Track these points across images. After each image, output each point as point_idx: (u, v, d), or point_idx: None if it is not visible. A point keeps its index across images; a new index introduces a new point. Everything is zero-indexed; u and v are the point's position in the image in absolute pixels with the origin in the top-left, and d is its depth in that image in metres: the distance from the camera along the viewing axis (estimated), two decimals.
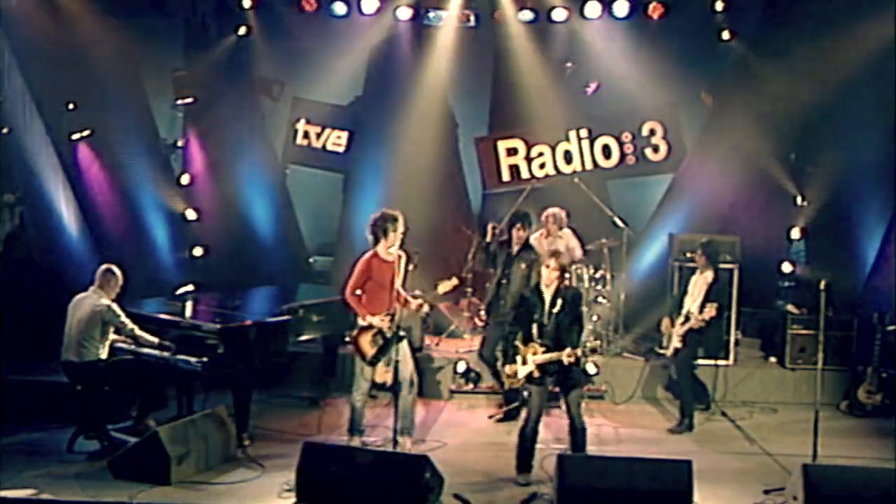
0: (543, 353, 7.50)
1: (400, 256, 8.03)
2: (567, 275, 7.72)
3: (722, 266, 9.76)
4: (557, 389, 9.41)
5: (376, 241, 8.08)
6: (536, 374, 7.55)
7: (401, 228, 8.06)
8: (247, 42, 11.72)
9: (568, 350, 7.39)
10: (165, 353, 8.16)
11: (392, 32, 11.89)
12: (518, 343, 7.64)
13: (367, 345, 8.00)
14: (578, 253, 10.54)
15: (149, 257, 11.45)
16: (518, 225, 9.18)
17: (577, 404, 7.71)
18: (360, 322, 8.07)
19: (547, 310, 7.57)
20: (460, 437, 8.80)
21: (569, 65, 11.93)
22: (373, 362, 8.02)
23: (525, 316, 7.63)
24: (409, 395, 8.12)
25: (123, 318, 8.15)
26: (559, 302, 7.56)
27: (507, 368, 7.70)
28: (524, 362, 7.57)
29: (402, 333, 7.90)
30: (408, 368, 8.11)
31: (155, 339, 8.21)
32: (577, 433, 7.65)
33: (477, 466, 8.06)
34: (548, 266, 7.59)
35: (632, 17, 11.49)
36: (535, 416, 7.68)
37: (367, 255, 8.14)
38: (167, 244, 11.70)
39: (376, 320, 7.95)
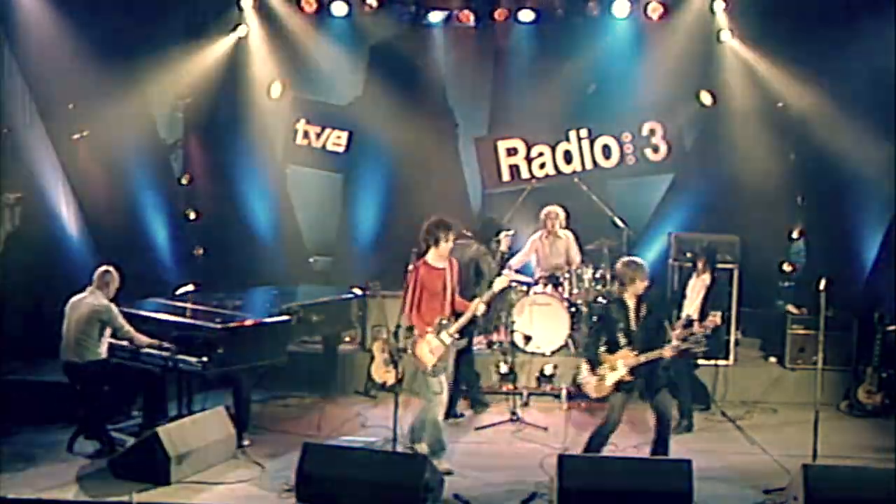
0: (636, 356, 7.63)
1: (451, 263, 7.89)
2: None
3: (722, 266, 9.76)
4: (562, 389, 9.55)
5: (427, 249, 7.87)
6: (627, 379, 7.67)
7: (453, 237, 7.85)
8: (247, 42, 11.72)
9: (668, 345, 7.63)
10: (165, 354, 8.16)
11: (392, 32, 11.89)
12: (603, 352, 7.74)
13: (426, 354, 7.76)
14: (577, 261, 10.58)
15: (149, 257, 11.45)
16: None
17: (666, 402, 7.93)
18: (417, 334, 7.88)
19: (633, 316, 7.72)
20: (460, 437, 8.79)
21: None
22: (435, 373, 7.80)
23: (609, 326, 7.76)
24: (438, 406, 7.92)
25: (121, 319, 8.16)
26: (644, 308, 7.74)
27: (595, 380, 7.74)
28: (613, 369, 7.67)
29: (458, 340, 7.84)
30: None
31: (151, 341, 8.20)
32: (665, 428, 7.87)
33: (477, 466, 8.06)
34: (643, 280, 7.72)
35: (632, 17, 11.49)
36: (616, 419, 7.80)
37: (416, 265, 7.97)
38: (167, 244, 11.70)
39: (431, 338, 7.75)
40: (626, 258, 8.04)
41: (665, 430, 7.89)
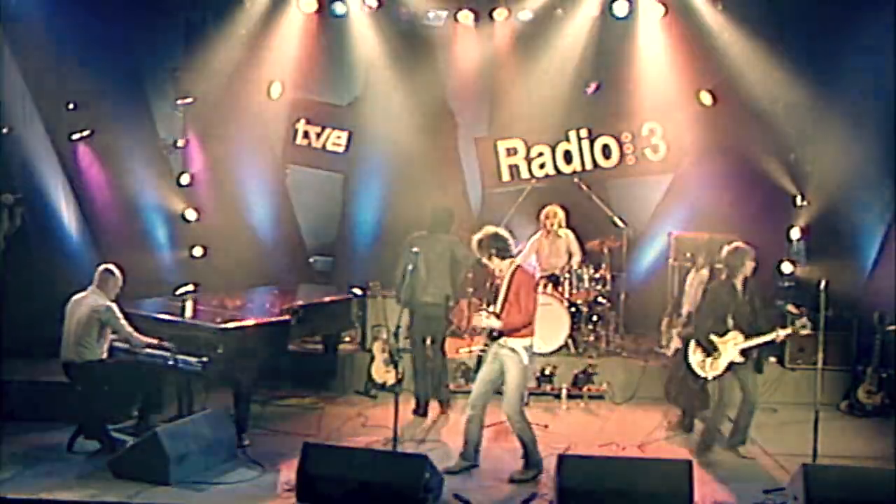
0: (745, 339, 8.03)
1: (514, 274, 7.80)
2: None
3: (721, 266, 9.75)
4: (562, 389, 9.55)
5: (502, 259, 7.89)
6: (740, 360, 8.08)
7: (479, 253, 7.89)
8: (247, 42, 11.71)
9: (778, 330, 8.07)
10: (165, 354, 8.16)
11: (392, 32, 11.89)
12: (713, 337, 8.10)
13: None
14: (578, 258, 10.60)
15: (149, 257, 11.44)
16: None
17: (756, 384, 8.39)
18: None
19: (741, 300, 8.12)
20: (460, 437, 8.78)
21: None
22: (472, 378, 8.10)
23: (719, 309, 8.14)
24: (517, 424, 7.88)
25: (122, 320, 8.14)
26: (748, 291, 8.17)
27: (707, 362, 8.14)
28: (726, 351, 8.08)
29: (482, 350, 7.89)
30: (506, 397, 7.85)
31: (151, 341, 8.19)
32: (753, 408, 8.36)
33: (476, 466, 8.05)
34: (751, 262, 8.17)
35: (632, 16, 11.48)
36: (728, 398, 8.29)
37: None
38: (167, 244, 11.70)
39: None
40: (732, 245, 8.36)
41: (751, 409, 8.37)
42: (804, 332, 8.15)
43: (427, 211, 9.53)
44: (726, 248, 8.30)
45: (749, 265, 8.18)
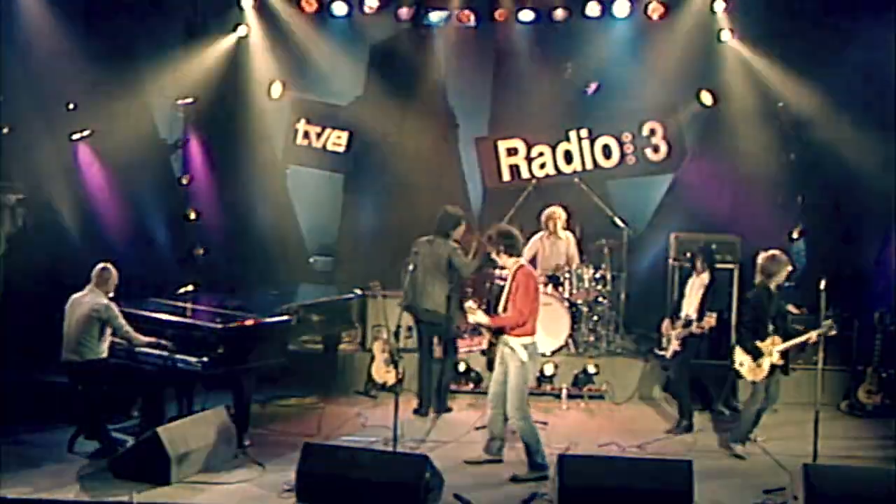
0: (783, 341, 8.31)
1: (515, 274, 7.86)
2: None
3: (722, 266, 9.76)
4: (562, 389, 9.54)
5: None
6: (780, 363, 8.35)
7: (487, 248, 8.04)
8: (247, 42, 11.71)
9: (811, 332, 8.31)
10: (164, 353, 8.16)
11: (392, 32, 11.89)
12: (756, 341, 8.32)
13: None
14: (576, 262, 10.60)
15: (149, 257, 11.44)
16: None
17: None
18: None
19: (777, 304, 8.45)
20: (460, 437, 8.80)
21: (569, 65, 11.88)
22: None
23: (763, 315, 8.35)
24: (517, 422, 7.87)
25: (121, 318, 8.15)
26: (780, 296, 8.50)
27: (753, 366, 8.32)
28: (769, 354, 8.28)
29: (484, 349, 8.05)
30: (508, 396, 7.85)
31: (150, 340, 8.19)
32: (773, 403, 8.65)
33: (477, 466, 8.06)
34: (786, 270, 8.46)
35: (632, 17, 11.48)
36: (766, 399, 8.47)
37: None
38: (167, 244, 11.70)
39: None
40: (768, 252, 8.56)
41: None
42: (832, 333, 8.26)
43: (436, 214, 9.51)
44: (763, 255, 8.51)
45: (786, 271, 8.45)
